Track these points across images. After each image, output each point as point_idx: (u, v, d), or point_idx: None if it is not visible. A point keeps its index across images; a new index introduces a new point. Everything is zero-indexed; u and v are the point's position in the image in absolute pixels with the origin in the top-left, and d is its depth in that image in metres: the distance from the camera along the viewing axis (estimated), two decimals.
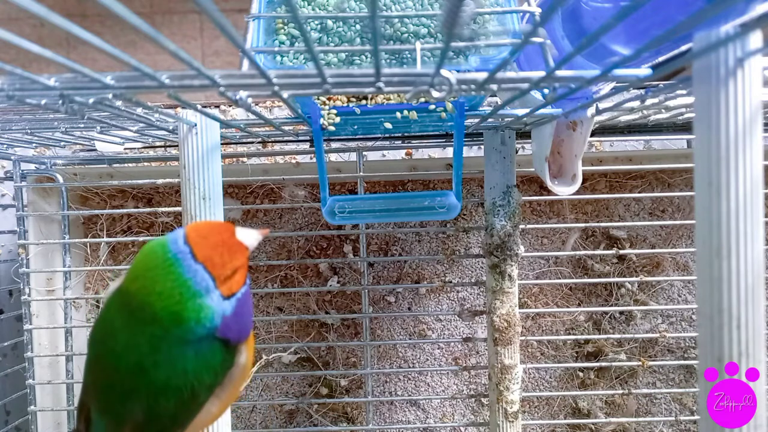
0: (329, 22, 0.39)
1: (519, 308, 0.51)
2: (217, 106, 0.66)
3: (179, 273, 0.28)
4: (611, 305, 0.66)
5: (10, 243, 0.66)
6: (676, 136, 0.60)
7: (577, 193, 0.48)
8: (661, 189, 0.66)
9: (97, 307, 0.67)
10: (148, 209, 0.62)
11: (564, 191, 0.46)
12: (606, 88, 0.40)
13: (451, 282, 0.64)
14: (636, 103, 0.37)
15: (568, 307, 0.66)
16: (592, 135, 0.46)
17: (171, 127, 0.44)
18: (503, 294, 0.50)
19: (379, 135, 0.52)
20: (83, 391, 0.32)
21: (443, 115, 0.43)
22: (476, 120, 0.44)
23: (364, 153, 0.59)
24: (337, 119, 0.42)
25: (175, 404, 0.30)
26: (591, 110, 0.43)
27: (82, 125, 0.44)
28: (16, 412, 0.64)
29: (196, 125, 0.41)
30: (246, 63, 0.33)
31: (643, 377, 0.66)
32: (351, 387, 0.66)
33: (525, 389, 0.66)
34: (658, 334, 0.60)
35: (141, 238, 0.62)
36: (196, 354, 0.29)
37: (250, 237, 0.33)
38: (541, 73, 0.26)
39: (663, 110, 0.44)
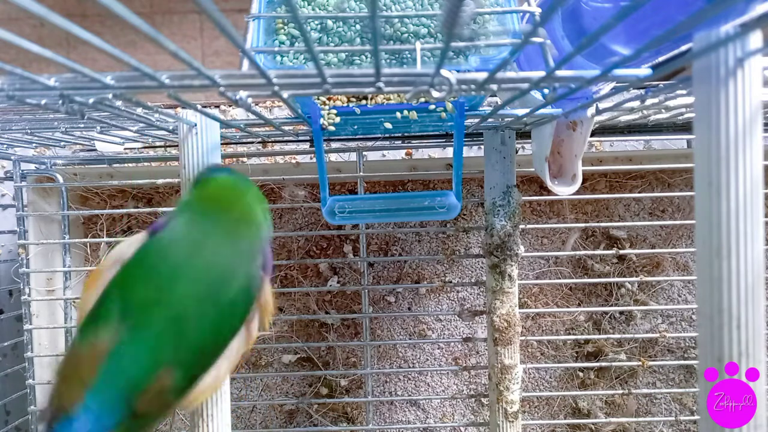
0: (329, 22, 0.39)
1: (519, 308, 0.51)
2: (217, 106, 0.66)
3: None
4: (611, 305, 0.66)
5: (10, 243, 0.66)
6: (676, 136, 0.60)
7: (577, 193, 0.48)
8: (661, 189, 0.66)
9: None
10: (148, 209, 0.62)
11: (564, 191, 0.46)
12: (606, 88, 0.40)
13: (451, 282, 0.64)
14: (636, 103, 0.37)
15: (568, 307, 0.66)
16: (592, 135, 0.46)
17: (171, 127, 0.44)
18: (503, 294, 0.50)
19: (379, 135, 0.52)
20: (110, 319, 0.30)
21: (443, 115, 0.43)
22: (476, 120, 0.44)
23: (364, 153, 0.59)
24: (337, 119, 0.42)
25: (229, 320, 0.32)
26: (591, 110, 0.43)
27: (82, 125, 0.44)
28: (16, 412, 0.64)
29: (196, 125, 0.41)
30: (246, 63, 0.33)
31: (643, 377, 0.66)
32: (351, 387, 0.66)
33: (525, 389, 0.66)
34: (658, 334, 0.61)
35: None
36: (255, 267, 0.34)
37: None
38: (541, 73, 0.26)
39: (663, 110, 0.44)
